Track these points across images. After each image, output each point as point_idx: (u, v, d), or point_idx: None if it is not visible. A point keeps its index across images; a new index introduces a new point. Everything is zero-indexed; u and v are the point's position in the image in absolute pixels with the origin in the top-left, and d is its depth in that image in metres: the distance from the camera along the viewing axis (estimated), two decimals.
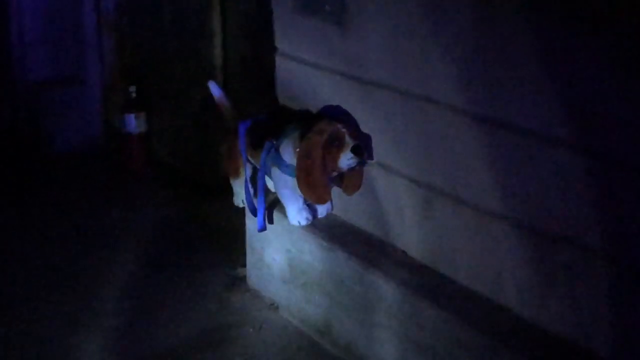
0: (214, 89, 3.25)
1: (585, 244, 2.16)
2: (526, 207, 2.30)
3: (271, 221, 3.06)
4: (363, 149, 2.70)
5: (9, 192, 4.23)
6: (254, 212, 3.03)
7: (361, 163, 2.71)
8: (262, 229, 2.99)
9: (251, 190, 3.07)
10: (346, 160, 2.70)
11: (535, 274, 2.31)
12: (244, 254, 3.28)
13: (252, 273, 3.25)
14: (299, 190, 2.83)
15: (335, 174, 2.81)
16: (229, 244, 3.57)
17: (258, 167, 2.98)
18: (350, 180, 2.83)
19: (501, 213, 2.37)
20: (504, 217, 2.37)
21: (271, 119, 3.03)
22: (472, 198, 2.46)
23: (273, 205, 3.07)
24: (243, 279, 3.31)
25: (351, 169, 2.74)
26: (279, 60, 3.18)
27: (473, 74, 2.36)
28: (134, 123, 4.51)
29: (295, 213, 2.94)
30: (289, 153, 2.85)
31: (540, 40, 2.15)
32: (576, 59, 2.08)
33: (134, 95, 4.50)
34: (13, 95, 4.86)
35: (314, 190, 2.77)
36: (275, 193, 3.01)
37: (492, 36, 2.28)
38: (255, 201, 3.02)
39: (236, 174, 3.19)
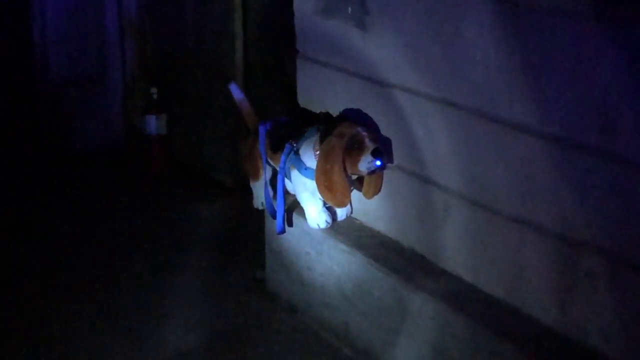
0: (235, 91, 3.25)
1: (608, 251, 2.14)
2: (548, 212, 2.28)
3: (290, 224, 3.05)
4: (383, 152, 2.69)
5: (29, 192, 4.25)
6: (274, 215, 3.02)
7: (381, 166, 2.70)
8: (282, 231, 2.99)
9: (271, 193, 3.07)
10: (366, 163, 2.69)
11: (557, 280, 2.29)
12: (263, 256, 3.27)
13: (271, 275, 3.25)
14: (318, 193, 2.82)
15: (355, 177, 2.81)
16: (248, 246, 3.57)
17: (278, 169, 2.98)
18: (370, 184, 2.82)
19: (523, 218, 2.36)
20: (525, 223, 2.35)
21: (291, 122, 3.02)
22: (493, 203, 2.44)
23: (292, 207, 3.06)
24: (262, 281, 3.30)
25: (371, 172, 2.72)
26: (299, 63, 3.18)
27: (496, 77, 2.34)
28: (155, 124, 4.52)
29: (315, 216, 2.93)
30: (309, 156, 2.85)
31: (566, 43, 2.13)
32: (600, 64, 2.06)
33: (155, 96, 4.51)
34: (34, 95, 4.88)
35: (333, 193, 2.76)
36: (294, 195, 3.00)
37: (515, 39, 2.27)
38: (274, 203, 3.02)
39: (256, 176, 3.19)
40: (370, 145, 2.68)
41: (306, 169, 2.85)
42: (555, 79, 2.18)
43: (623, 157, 2.06)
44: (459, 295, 2.53)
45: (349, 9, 2.83)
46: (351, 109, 2.89)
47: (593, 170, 2.13)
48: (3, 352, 2.90)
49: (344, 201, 2.81)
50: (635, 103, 2.01)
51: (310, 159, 2.84)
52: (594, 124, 2.11)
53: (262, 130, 3.05)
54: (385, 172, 2.78)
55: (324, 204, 2.93)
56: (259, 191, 3.21)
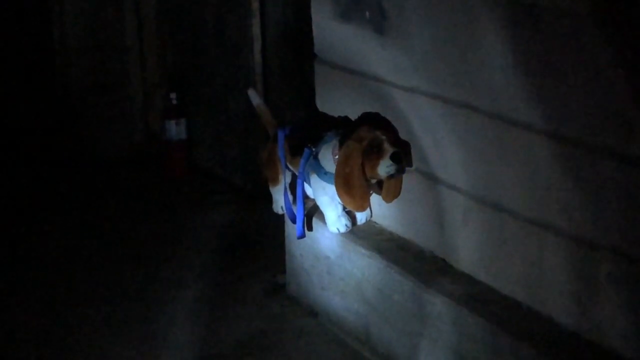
0: (253, 96, 3.26)
1: (629, 254, 2.13)
2: (567, 215, 2.27)
3: (310, 228, 3.06)
4: (402, 156, 2.69)
5: (51, 197, 4.27)
6: (293, 219, 3.03)
7: (400, 170, 2.70)
8: (301, 236, 2.99)
9: (290, 197, 3.08)
10: (385, 167, 2.69)
11: (577, 282, 2.29)
12: (284, 261, 3.28)
13: (292, 280, 3.25)
14: (337, 198, 2.83)
15: (374, 181, 2.81)
16: (269, 251, 3.57)
17: (297, 174, 2.98)
18: (389, 188, 2.82)
19: (542, 221, 2.35)
20: (544, 225, 2.34)
21: (310, 126, 3.03)
22: (514, 206, 2.44)
23: (312, 212, 3.07)
24: (282, 286, 3.31)
25: (390, 176, 2.73)
26: (317, 67, 3.18)
27: (514, 81, 2.34)
28: (175, 129, 4.54)
29: (334, 220, 2.94)
30: (328, 160, 2.85)
31: (584, 46, 2.13)
32: (619, 67, 2.06)
33: (174, 101, 4.53)
34: (55, 101, 4.91)
35: (352, 197, 2.76)
36: (314, 200, 3.01)
37: (533, 42, 2.26)
38: (294, 208, 3.02)
39: (275, 181, 3.20)
40: (389, 149, 2.68)
41: (325, 173, 2.85)
42: (573, 82, 2.17)
43: None
44: (479, 298, 2.52)
45: (367, 14, 2.83)
46: (370, 113, 2.89)
47: (611, 173, 2.12)
48: None
49: (364, 205, 2.81)
50: None
51: (329, 163, 2.84)
52: (612, 127, 2.10)
53: (281, 135, 3.05)
54: (404, 175, 2.78)
55: (344, 208, 2.93)
56: (279, 196, 3.22)
